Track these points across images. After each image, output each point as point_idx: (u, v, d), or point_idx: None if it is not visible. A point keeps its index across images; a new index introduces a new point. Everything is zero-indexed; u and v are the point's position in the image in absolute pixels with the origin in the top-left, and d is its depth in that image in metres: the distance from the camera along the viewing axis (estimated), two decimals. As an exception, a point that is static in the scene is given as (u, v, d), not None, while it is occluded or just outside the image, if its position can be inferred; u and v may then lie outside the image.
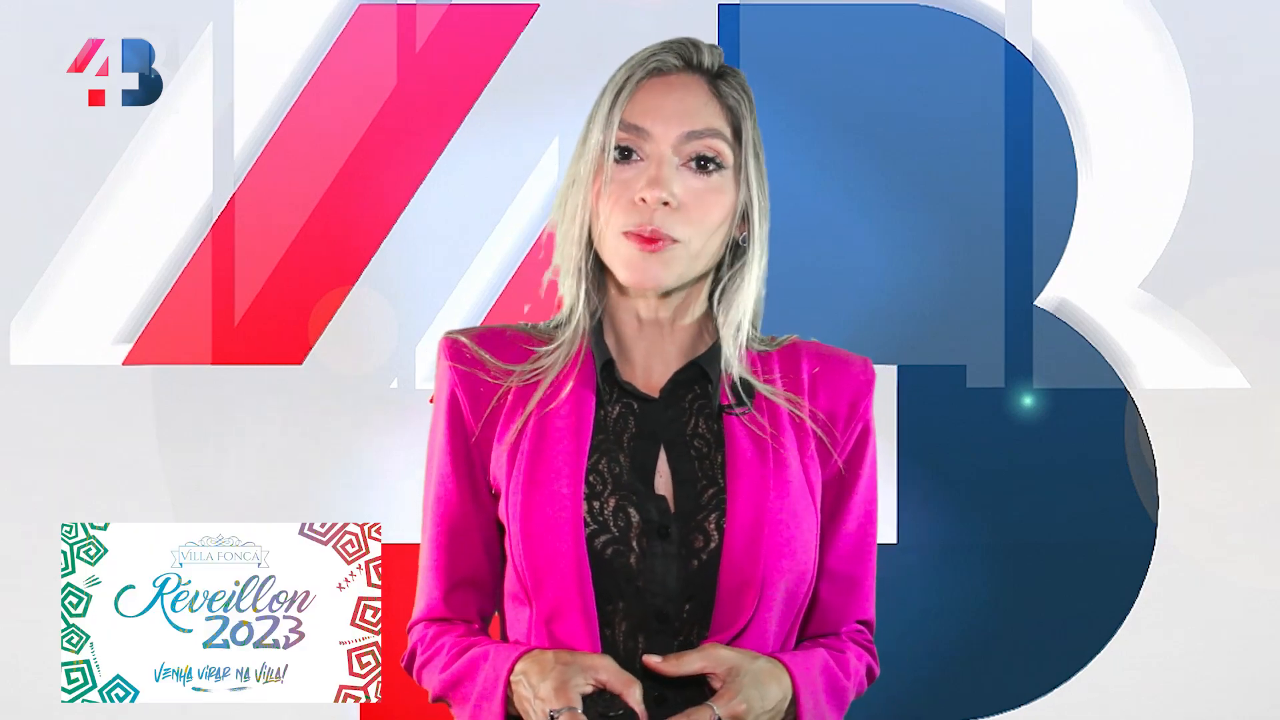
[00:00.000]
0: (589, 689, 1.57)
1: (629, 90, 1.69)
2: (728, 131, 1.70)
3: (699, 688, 1.60)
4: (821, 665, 1.69)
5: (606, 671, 1.58)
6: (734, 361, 1.71)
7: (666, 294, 1.72)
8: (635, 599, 1.63)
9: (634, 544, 1.63)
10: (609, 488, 1.66)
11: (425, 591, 1.75)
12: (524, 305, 2.46)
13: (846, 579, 1.76)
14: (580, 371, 1.71)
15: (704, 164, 1.68)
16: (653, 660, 1.60)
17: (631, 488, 1.66)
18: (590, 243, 1.71)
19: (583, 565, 1.62)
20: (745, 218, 1.73)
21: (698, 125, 1.68)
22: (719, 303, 1.73)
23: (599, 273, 1.73)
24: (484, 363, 1.73)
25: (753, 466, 1.67)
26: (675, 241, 1.66)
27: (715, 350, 1.72)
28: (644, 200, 1.65)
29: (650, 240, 1.65)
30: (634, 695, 1.57)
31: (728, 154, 1.70)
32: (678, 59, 1.72)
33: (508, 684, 1.61)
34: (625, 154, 1.68)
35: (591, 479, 1.66)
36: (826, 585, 1.75)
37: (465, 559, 1.73)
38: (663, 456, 1.68)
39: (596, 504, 1.65)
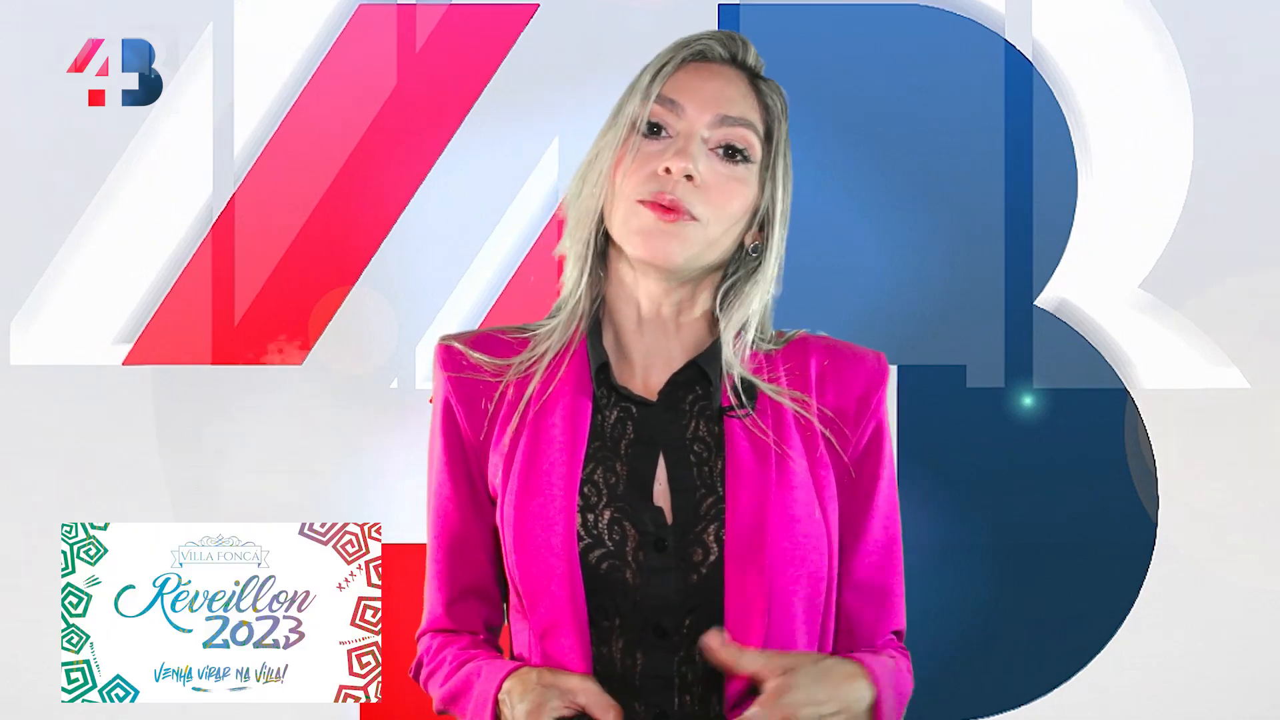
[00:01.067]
0: (566, 713, 1.53)
1: (671, 68, 1.67)
2: (760, 128, 1.68)
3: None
4: (893, 667, 1.64)
5: (587, 695, 1.54)
6: (735, 362, 1.66)
7: (671, 285, 1.67)
8: (632, 614, 1.59)
9: (630, 558, 1.59)
10: (604, 499, 1.61)
11: (430, 603, 1.73)
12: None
13: (878, 589, 1.70)
14: (576, 376, 1.66)
15: (732, 153, 1.66)
16: (712, 642, 1.54)
17: (627, 499, 1.61)
18: (603, 219, 1.67)
19: (575, 580, 1.57)
20: (763, 225, 1.70)
21: (733, 111, 1.66)
22: (722, 302, 1.69)
23: (606, 255, 1.70)
24: (480, 365, 1.69)
25: (753, 473, 1.61)
26: (693, 219, 1.63)
27: (715, 349, 1.67)
28: (668, 170, 1.62)
29: (668, 209, 1.62)
30: None
31: (757, 148, 1.68)
32: (724, 50, 1.70)
33: (496, 701, 1.58)
34: (655, 130, 1.65)
35: (586, 490, 1.61)
36: (857, 598, 1.69)
37: (467, 570, 1.70)
38: (662, 463, 1.63)
39: (591, 517, 1.60)
